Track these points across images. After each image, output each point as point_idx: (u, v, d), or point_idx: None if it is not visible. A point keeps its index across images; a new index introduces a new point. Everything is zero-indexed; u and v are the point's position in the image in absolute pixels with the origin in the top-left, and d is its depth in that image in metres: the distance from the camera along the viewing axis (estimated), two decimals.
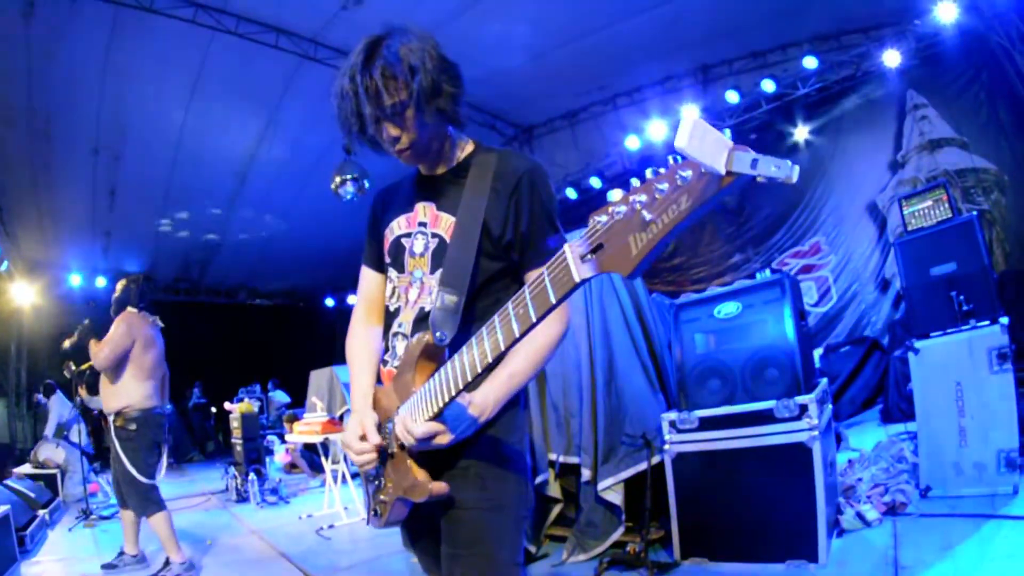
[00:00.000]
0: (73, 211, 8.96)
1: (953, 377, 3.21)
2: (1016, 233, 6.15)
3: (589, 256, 0.78)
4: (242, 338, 13.36)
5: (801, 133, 7.65)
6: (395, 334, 1.30)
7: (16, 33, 5.59)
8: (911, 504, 3.12)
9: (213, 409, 12.61)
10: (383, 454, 1.23)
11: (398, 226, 1.35)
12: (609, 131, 8.68)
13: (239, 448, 6.69)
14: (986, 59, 6.22)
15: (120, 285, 3.99)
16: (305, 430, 5.54)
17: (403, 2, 5.92)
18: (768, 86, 7.16)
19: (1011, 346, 3.10)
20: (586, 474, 3.22)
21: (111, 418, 3.70)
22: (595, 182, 8.91)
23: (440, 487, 1.16)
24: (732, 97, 7.31)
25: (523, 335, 0.91)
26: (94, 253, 10.36)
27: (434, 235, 1.28)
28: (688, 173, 0.67)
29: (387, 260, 1.37)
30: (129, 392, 3.70)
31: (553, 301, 0.84)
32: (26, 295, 9.51)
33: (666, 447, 3.07)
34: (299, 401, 10.14)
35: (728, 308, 3.16)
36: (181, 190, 8.87)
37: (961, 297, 3.27)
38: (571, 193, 9.18)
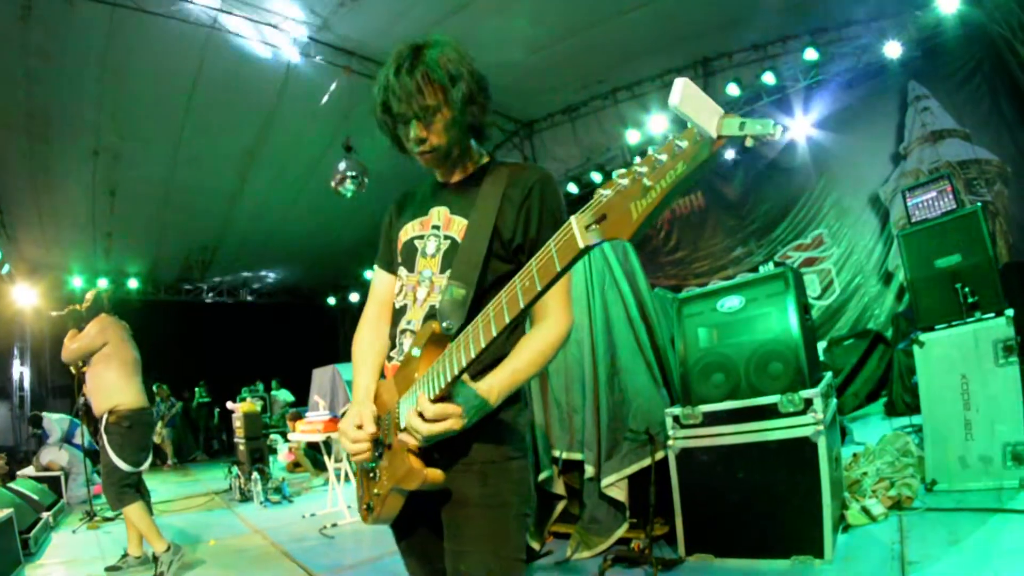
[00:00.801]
0: (73, 213, 8.94)
1: (958, 370, 3.19)
2: (1019, 224, 6.12)
3: (594, 226, 0.81)
4: (245, 337, 13.39)
5: (802, 126, 7.62)
6: (403, 331, 1.31)
7: (13, 35, 5.57)
8: (917, 498, 3.11)
9: (217, 408, 12.65)
10: (380, 447, 1.22)
11: (412, 228, 1.37)
12: (609, 125, 8.64)
13: (242, 447, 6.70)
14: (987, 50, 6.20)
15: (90, 295, 4.16)
16: (307, 429, 5.56)
17: None
18: (769, 79, 7.14)
19: (1017, 338, 3.07)
20: (589, 470, 3.20)
21: (104, 416, 3.79)
22: (596, 176, 8.89)
23: (436, 474, 1.14)
24: (733, 90, 7.27)
25: (529, 304, 0.92)
26: (95, 255, 10.37)
27: (446, 237, 1.31)
28: (684, 143, 0.72)
29: (398, 260, 1.39)
30: (121, 389, 3.84)
31: (559, 268, 0.86)
32: (27, 297, 9.52)
33: (670, 443, 3.05)
34: (303, 400, 10.17)
35: (731, 302, 3.13)
36: (181, 190, 8.85)
37: (966, 289, 3.25)
38: (572, 188, 9.19)
